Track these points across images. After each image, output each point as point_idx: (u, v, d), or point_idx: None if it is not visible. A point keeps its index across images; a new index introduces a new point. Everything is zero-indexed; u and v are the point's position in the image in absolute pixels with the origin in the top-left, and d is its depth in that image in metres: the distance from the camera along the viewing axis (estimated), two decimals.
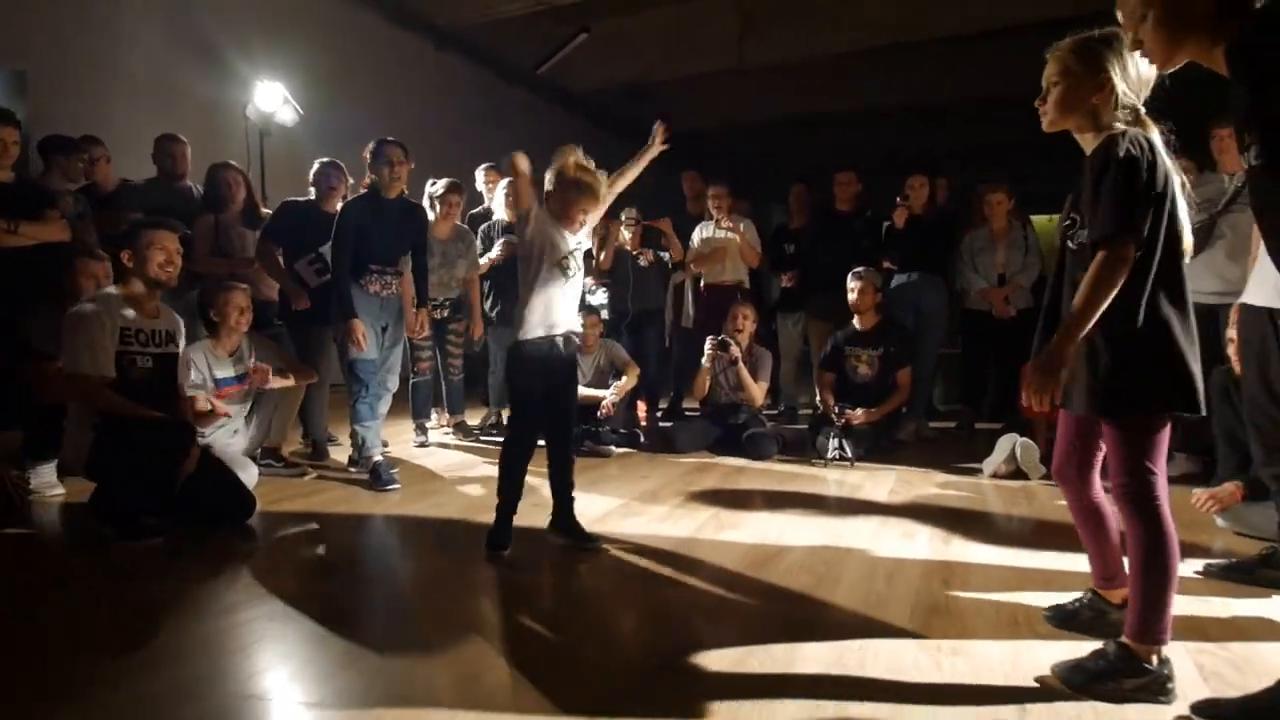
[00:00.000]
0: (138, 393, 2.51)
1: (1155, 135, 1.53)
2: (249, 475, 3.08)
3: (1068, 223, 1.65)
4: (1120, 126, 1.51)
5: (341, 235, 3.22)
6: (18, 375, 2.96)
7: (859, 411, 3.82)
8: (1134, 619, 1.52)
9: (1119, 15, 1.42)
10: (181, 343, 2.77)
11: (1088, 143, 1.59)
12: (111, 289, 2.61)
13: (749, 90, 8.53)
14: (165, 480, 2.44)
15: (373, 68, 6.60)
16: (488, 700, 1.50)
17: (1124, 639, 1.52)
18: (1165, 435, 1.54)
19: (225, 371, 3.23)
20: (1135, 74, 1.53)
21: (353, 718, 1.44)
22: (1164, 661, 1.50)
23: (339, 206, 3.75)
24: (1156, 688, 1.48)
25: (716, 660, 1.64)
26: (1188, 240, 1.54)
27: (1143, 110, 1.55)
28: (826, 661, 1.64)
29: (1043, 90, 1.61)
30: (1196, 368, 1.52)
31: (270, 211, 4.09)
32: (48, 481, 3.08)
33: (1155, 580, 1.50)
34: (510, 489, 2.40)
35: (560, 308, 2.39)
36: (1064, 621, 1.82)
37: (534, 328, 2.35)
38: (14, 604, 2.01)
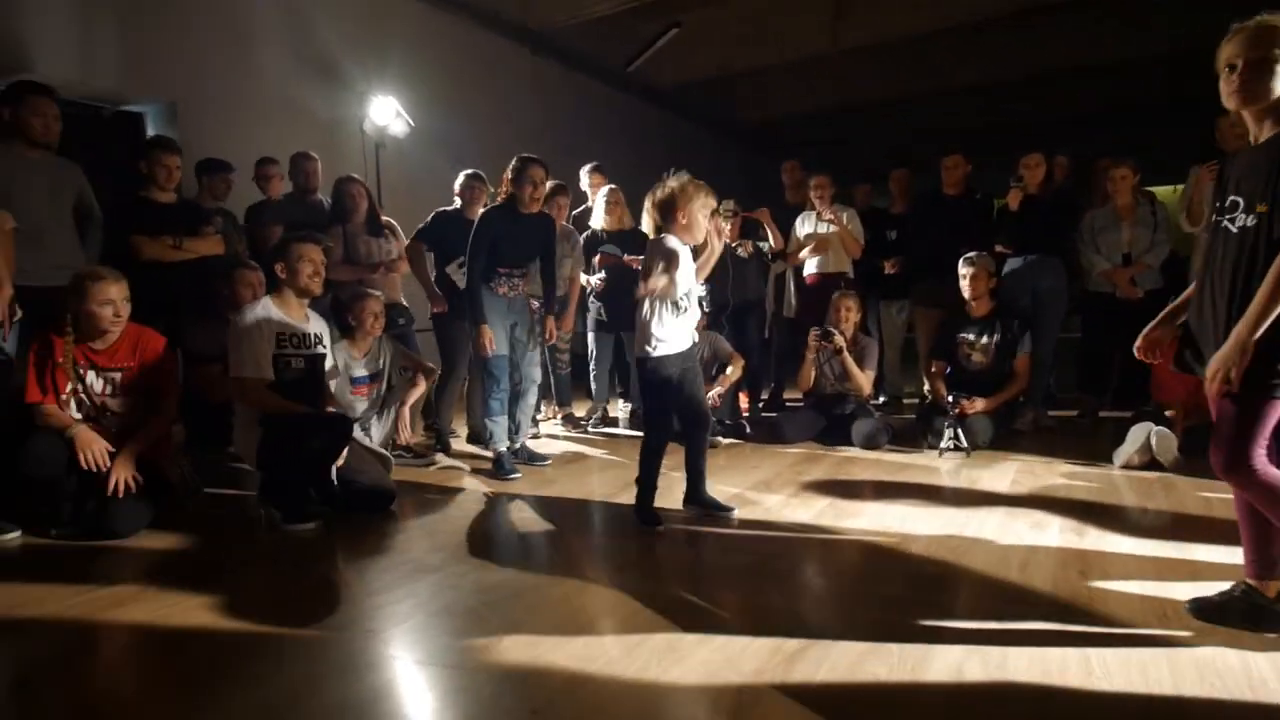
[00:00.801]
0: (292, 391, 2.77)
1: None
2: (387, 465, 3.33)
3: (1229, 202, 1.60)
4: None
5: (478, 243, 3.42)
6: (187, 379, 3.31)
7: (977, 401, 3.71)
8: (1250, 558, 1.68)
9: None
10: (328, 343, 3.01)
11: (1264, 127, 1.56)
12: (267, 298, 2.87)
13: (838, 74, 8.36)
14: (323, 470, 2.68)
15: (474, 76, 6.88)
16: (635, 677, 1.58)
17: (1246, 579, 1.67)
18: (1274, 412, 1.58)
19: (360, 371, 3.49)
20: None
21: (504, 691, 1.56)
22: None
23: (480, 213, 4.01)
24: None
25: (854, 647, 1.67)
26: None
27: None
28: (966, 648, 1.65)
29: (1231, 65, 1.56)
30: None
31: (390, 220, 4.37)
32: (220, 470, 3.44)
33: (1265, 522, 1.61)
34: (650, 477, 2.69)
35: (679, 332, 2.63)
36: (1214, 613, 1.75)
37: (659, 346, 2.60)
38: (190, 581, 2.24)
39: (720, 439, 4.06)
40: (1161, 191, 5.37)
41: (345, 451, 2.77)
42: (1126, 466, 3.27)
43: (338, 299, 3.59)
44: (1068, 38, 7.42)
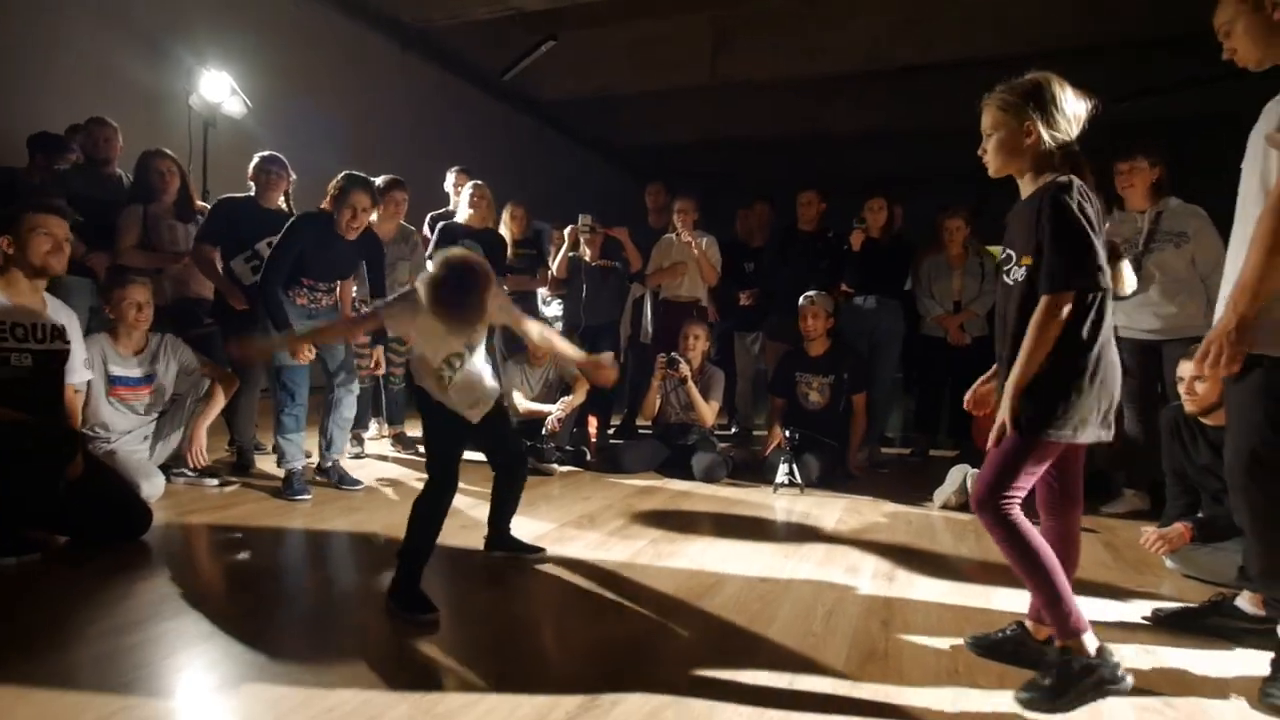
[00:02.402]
0: (9, 392, 2.27)
1: (1087, 177, 1.58)
2: (153, 485, 2.86)
3: (1004, 256, 1.68)
4: (1058, 173, 1.56)
5: (282, 253, 3.05)
6: None
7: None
8: (1052, 621, 1.60)
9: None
10: (74, 337, 2.53)
11: (1026, 185, 1.65)
12: None
13: (716, 107, 8.53)
14: (44, 490, 2.20)
15: (333, 63, 6.40)
16: None
17: (1058, 643, 1.60)
18: (1044, 462, 1.62)
19: (127, 370, 3.00)
20: (1067, 114, 1.58)
21: None
22: (1101, 648, 1.57)
23: (279, 202, 3.58)
24: (1109, 676, 1.54)
25: (635, 703, 1.50)
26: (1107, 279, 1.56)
27: (1076, 146, 1.60)
28: (750, 710, 1.51)
29: (983, 138, 1.67)
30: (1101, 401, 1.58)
31: (205, 205, 3.88)
32: None
33: (1042, 577, 1.58)
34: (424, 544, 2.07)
35: (458, 403, 2.13)
36: (987, 650, 1.82)
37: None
38: None
39: (556, 466, 3.84)
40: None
41: (78, 466, 2.30)
42: (944, 507, 3.35)
43: (105, 286, 3.09)
44: (924, 100, 7.93)
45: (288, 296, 3.09)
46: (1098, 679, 1.54)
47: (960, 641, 1.87)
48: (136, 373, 3.00)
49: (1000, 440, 1.60)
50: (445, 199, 4.75)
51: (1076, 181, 1.55)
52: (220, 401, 3.13)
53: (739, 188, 7.54)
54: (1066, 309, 1.52)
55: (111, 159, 3.84)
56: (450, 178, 4.72)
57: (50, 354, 2.42)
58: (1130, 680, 1.55)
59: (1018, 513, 1.59)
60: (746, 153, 9.70)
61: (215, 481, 3.20)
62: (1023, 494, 1.60)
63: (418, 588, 1.98)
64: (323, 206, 3.15)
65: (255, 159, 3.57)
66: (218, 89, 5.17)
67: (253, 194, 3.55)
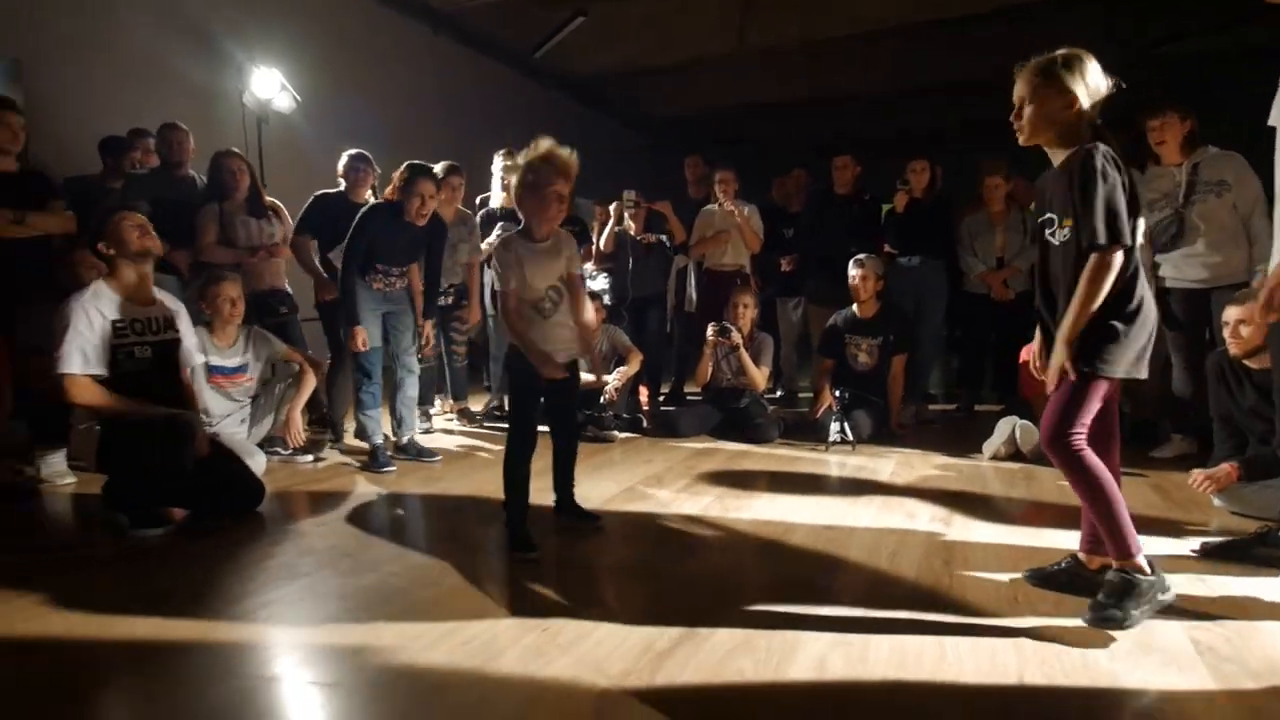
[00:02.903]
0: (138, 384, 2.52)
1: (1112, 144, 1.72)
2: (256, 463, 3.11)
3: (1045, 219, 1.83)
4: (1089, 140, 1.71)
5: (355, 241, 3.27)
6: (18, 372, 2.98)
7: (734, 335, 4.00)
8: (1109, 545, 1.77)
9: None
10: (184, 326, 2.77)
11: (1057, 155, 1.78)
12: (101, 282, 2.59)
13: (746, 73, 8.50)
14: (174, 470, 2.46)
15: (370, 53, 6.56)
16: (504, 679, 1.53)
17: (1115, 564, 1.77)
18: (1100, 398, 1.76)
19: (224, 360, 3.25)
20: (1096, 89, 1.73)
21: (371, 697, 1.48)
22: (1153, 568, 1.76)
23: (366, 195, 3.80)
24: (1159, 590, 1.75)
25: (724, 641, 1.68)
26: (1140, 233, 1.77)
27: (1099, 120, 1.74)
28: (833, 637, 1.69)
29: (1016, 107, 1.78)
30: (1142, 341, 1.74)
31: (274, 200, 4.09)
32: (58, 470, 3.12)
33: (1105, 505, 1.74)
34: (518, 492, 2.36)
35: (550, 340, 2.33)
36: (1042, 581, 1.98)
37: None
38: (32, 596, 2.04)
39: (616, 433, 4.04)
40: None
41: (194, 449, 2.55)
42: (994, 458, 3.47)
43: (201, 283, 3.33)
44: (960, 52, 7.82)
45: (364, 282, 3.30)
46: (1150, 589, 1.73)
47: (1018, 575, 2.03)
48: (232, 362, 3.25)
49: (1059, 385, 1.76)
50: (489, 181, 4.90)
51: (1103, 147, 1.69)
52: (310, 384, 3.37)
53: (774, 154, 7.58)
54: (1116, 263, 1.68)
55: (185, 161, 4.07)
56: (497, 161, 4.85)
57: (166, 343, 2.67)
58: (1173, 592, 1.78)
59: (1087, 449, 1.75)
60: (779, 118, 9.65)
61: (309, 458, 3.46)
62: (1086, 430, 1.75)
63: (521, 529, 2.30)
64: (387, 195, 3.34)
65: (344, 157, 3.82)
66: (268, 85, 5.37)
67: (343, 189, 3.79)
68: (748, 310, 4.16)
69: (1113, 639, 1.66)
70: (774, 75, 8.54)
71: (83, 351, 2.43)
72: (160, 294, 2.76)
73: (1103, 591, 1.76)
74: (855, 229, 4.52)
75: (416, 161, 3.34)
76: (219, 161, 3.90)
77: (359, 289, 3.27)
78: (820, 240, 4.67)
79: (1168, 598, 1.76)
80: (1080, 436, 1.75)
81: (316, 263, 3.80)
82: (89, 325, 2.46)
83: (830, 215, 4.66)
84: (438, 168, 4.10)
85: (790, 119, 9.62)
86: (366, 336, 3.28)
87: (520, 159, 2.25)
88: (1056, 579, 1.96)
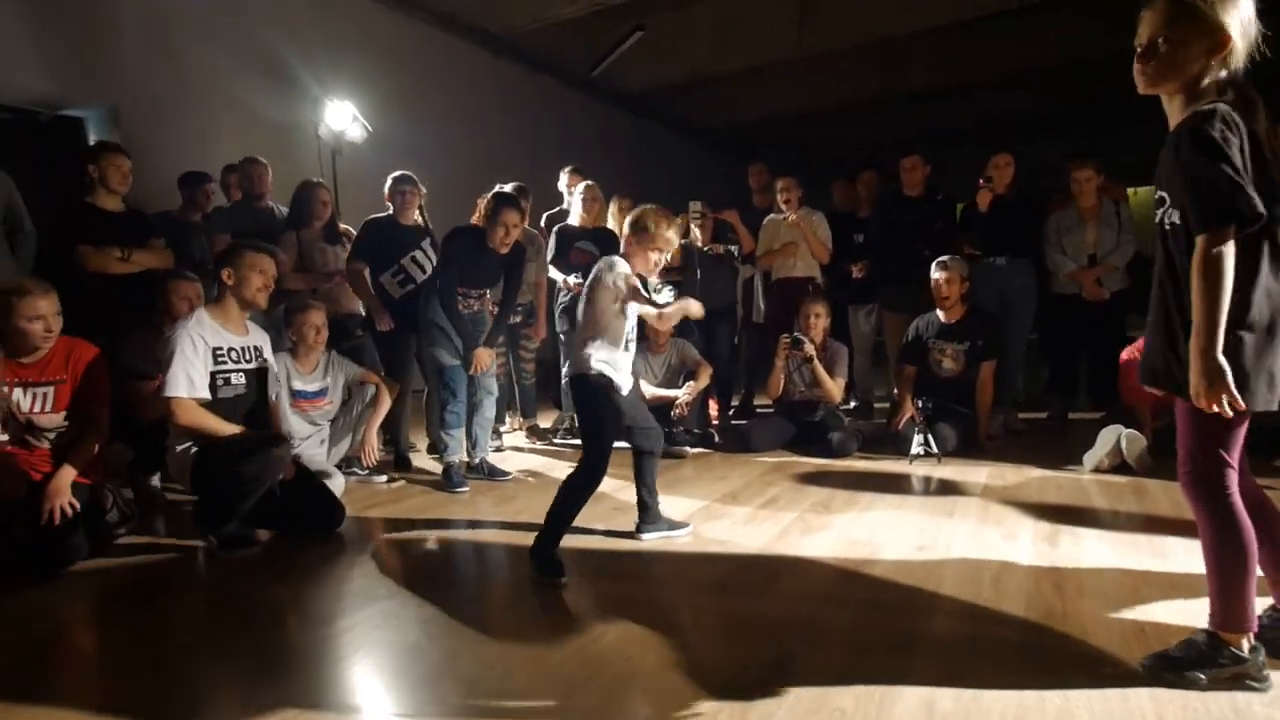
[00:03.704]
0: (233, 409, 2.61)
1: (1257, 107, 1.39)
2: (336, 484, 3.17)
3: (1157, 197, 1.50)
4: (1214, 99, 1.38)
5: (447, 268, 3.33)
6: (120, 397, 3.12)
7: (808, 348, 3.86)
8: (1214, 606, 1.50)
9: None
10: (269, 355, 2.86)
11: (1175, 110, 1.45)
12: (203, 310, 2.70)
13: (806, 77, 8.36)
14: (263, 492, 2.52)
15: (435, 80, 6.74)
16: (580, 714, 1.47)
17: (1209, 628, 1.50)
18: (1243, 426, 1.45)
19: (306, 385, 3.33)
20: (1247, 31, 1.38)
21: None
22: (1256, 648, 1.48)
23: (414, 216, 3.84)
24: (1249, 676, 1.47)
25: (812, 679, 1.56)
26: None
27: (1241, 72, 1.40)
28: (937, 675, 1.55)
29: (1142, 45, 1.44)
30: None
31: (347, 227, 4.21)
32: (154, 493, 3.25)
33: (1229, 567, 1.46)
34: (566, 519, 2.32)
35: (620, 366, 2.37)
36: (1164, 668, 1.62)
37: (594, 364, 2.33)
38: (128, 616, 2.11)
39: (688, 449, 3.95)
40: (1144, 192, 5.38)
41: (282, 471, 2.61)
42: (1096, 470, 3.23)
43: (287, 310, 3.43)
44: (1030, 38, 7.49)
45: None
46: (1240, 671, 1.46)
47: (1149, 606, 1.84)
48: (314, 386, 3.33)
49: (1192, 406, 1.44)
50: (556, 198, 4.93)
51: (1220, 108, 1.35)
52: (386, 405, 3.42)
53: (840, 157, 7.41)
54: (1228, 249, 1.34)
55: (265, 193, 4.24)
56: (564, 178, 4.87)
57: (257, 372, 2.76)
58: (1272, 683, 1.46)
59: (1237, 494, 1.45)
60: (842, 121, 9.46)
61: (384, 478, 3.52)
62: (1235, 463, 1.46)
63: (552, 552, 2.24)
64: (473, 222, 3.37)
65: (389, 180, 3.85)
66: (341, 117, 5.57)
67: (390, 213, 3.84)
68: (819, 320, 4.02)
69: (1265, 682, 1.46)
70: (834, 77, 8.36)
71: (188, 376, 2.53)
72: (251, 325, 2.86)
73: (1181, 646, 1.52)
74: (926, 231, 4.32)
75: (503, 190, 3.38)
76: (307, 191, 4.02)
77: (443, 311, 3.31)
78: (892, 244, 4.48)
79: (1261, 686, 1.45)
80: (1230, 476, 1.44)
81: (371, 290, 3.79)
82: (195, 352, 2.56)
83: (901, 218, 4.48)
84: (506, 189, 4.15)
85: (854, 121, 9.41)
86: (488, 358, 3.36)
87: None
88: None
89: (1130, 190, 5.01)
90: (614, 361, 2.34)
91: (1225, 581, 1.47)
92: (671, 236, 2.35)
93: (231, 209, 4.22)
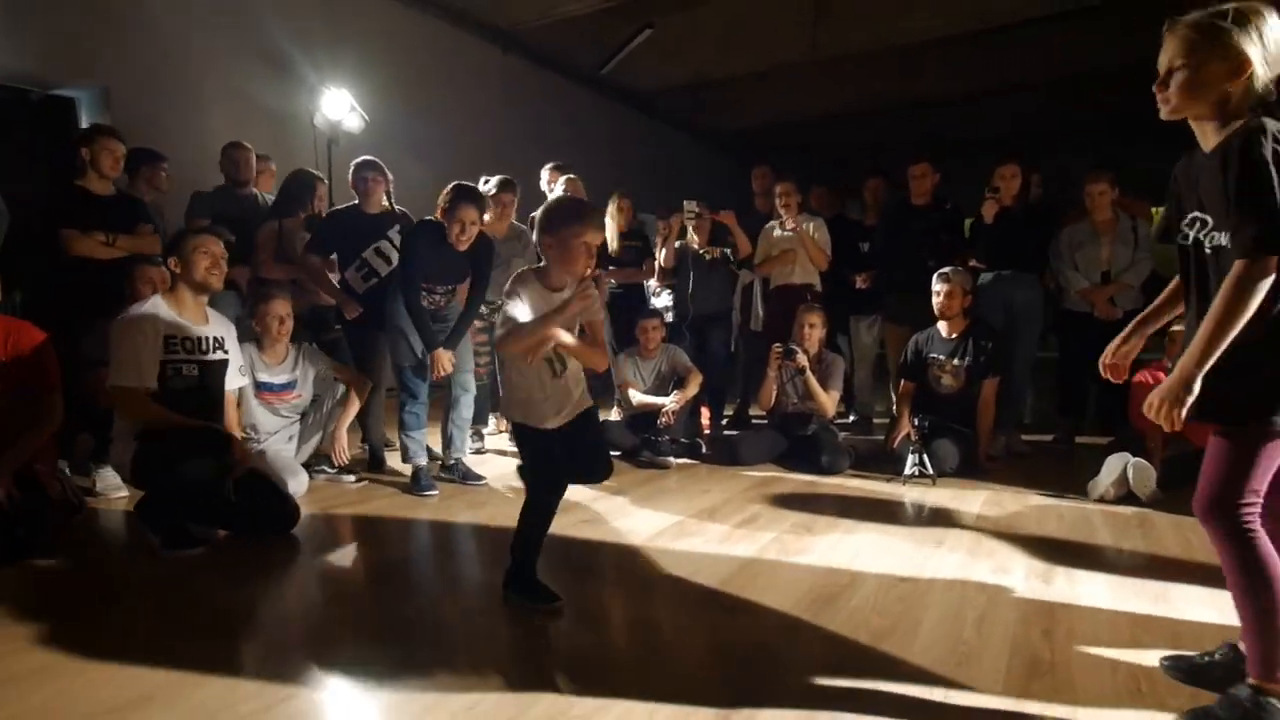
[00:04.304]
0: (181, 401, 2.48)
1: None
2: (299, 482, 3.05)
3: (1192, 218, 1.43)
4: (1251, 118, 1.32)
5: (406, 264, 3.18)
6: (84, 384, 3.01)
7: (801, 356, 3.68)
8: (1253, 655, 1.39)
9: None
10: (232, 346, 2.73)
11: (1208, 134, 1.40)
12: (159, 297, 2.59)
13: (818, 81, 8.20)
14: (208, 489, 2.39)
15: (438, 73, 6.63)
16: None
17: (1251, 680, 1.39)
18: (1276, 456, 1.36)
19: (272, 377, 3.20)
20: (1276, 53, 1.34)
21: None
22: None
23: (381, 204, 3.67)
24: None
25: (775, 717, 1.42)
26: None
27: (1275, 92, 1.36)
28: None
29: (1160, 73, 1.41)
30: None
31: None
32: (113, 484, 3.12)
33: (1264, 609, 1.36)
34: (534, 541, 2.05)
35: (554, 401, 2.02)
36: (1189, 675, 1.57)
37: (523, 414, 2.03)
38: (70, 615, 1.97)
39: (672, 459, 3.79)
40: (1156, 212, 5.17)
41: (241, 467, 2.48)
42: (1101, 500, 3.04)
43: (252, 300, 3.31)
44: (1046, 50, 7.30)
45: None
46: None
47: (1147, 656, 1.66)
48: (281, 379, 3.20)
49: (1212, 435, 1.40)
50: (543, 196, 4.79)
51: (1272, 124, 1.30)
52: (356, 403, 3.29)
53: (844, 162, 7.24)
54: (1267, 280, 1.29)
55: (249, 180, 4.13)
56: (545, 175, 4.73)
57: (213, 364, 2.63)
58: None
59: (1260, 529, 1.37)
60: (849, 126, 9.29)
61: (352, 478, 3.38)
62: (1260, 498, 1.37)
63: (534, 577, 2.01)
64: (436, 216, 3.23)
65: (351, 167, 3.66)
66: (338, 107, 5.46)
67: (355, 202, 3.66)
68: (814, 330, 3.85)
69: None
70: (846, 81, 8.20)
71: (137, 365, 2.42)
72: (213, 314, 2.74)
73: (1224, 703, 1.39)
74: (933, 241, 4.14)
75: (464, 183, 3.20)
76: (303, 183, 3.90)
77: (405, 306, 3.16)
78: (897, 253, 4.31)
79: None
80: (1254, 509, 1.37)
81: (334, 282, 3.62)
82: (144, 339, 2.46)
83: (908, 227, 4.30)
84: (490, 184, 4.00)
85: (864, 126, 9.23)
86: (448, 361, 3.15)
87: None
88: (1208, 674, 1.54)
89: (1154, 210, 4.82)
90: (531, 402, 2.02)
91: (1259, 623, 1.37)
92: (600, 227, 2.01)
93: (213, 194, 4.11)
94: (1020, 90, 8.04)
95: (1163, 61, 1.40)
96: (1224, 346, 1.32)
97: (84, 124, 4.63)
